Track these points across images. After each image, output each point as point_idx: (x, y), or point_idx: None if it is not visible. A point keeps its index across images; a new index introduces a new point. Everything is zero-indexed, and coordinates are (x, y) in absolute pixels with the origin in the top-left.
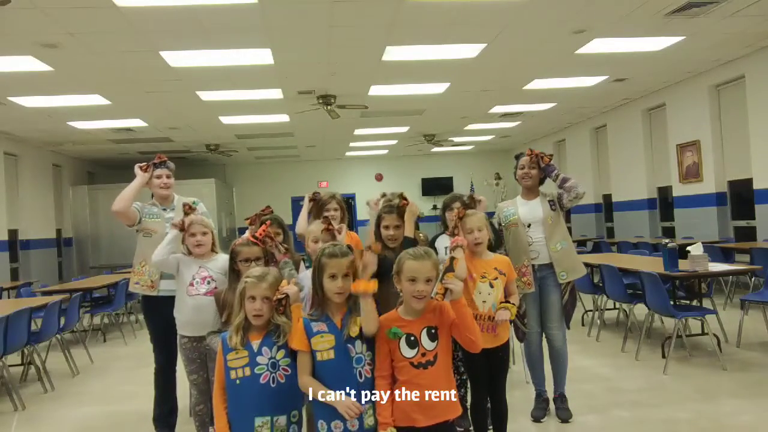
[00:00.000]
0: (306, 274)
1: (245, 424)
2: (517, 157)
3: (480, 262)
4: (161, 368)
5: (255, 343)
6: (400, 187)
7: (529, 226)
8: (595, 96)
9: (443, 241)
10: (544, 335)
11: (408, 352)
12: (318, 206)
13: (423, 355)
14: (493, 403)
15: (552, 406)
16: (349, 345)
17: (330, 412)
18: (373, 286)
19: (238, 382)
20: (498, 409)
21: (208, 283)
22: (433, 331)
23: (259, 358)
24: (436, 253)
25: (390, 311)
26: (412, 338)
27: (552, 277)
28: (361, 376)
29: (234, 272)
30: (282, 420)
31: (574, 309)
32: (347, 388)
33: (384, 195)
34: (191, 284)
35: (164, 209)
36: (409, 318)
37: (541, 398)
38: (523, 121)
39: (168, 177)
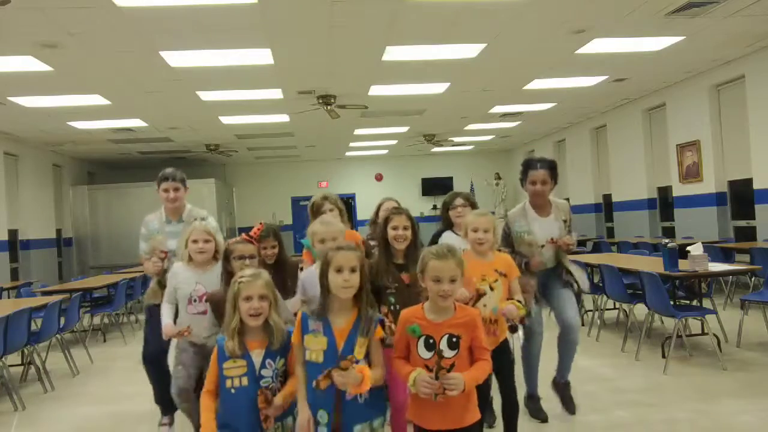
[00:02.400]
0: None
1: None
2: (526, 166)
3: (480, 264)
4: (151, 354)
5: (255, 353)
6: (400, 187)
7: (542, 246)
8: (595, 96)
9: (447, 239)
10: (557, 324)
11: (424, 353)
12: (314, 209)
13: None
14: (504, 397)
15: (549, 406)
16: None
17: (315, 402)
18: (367, 383)
19: (233, 390)
20: (509, 401)
21: (206, 300)
22: (454, 339)
23: (263, 371)
24: None
25: (416, 305)
26: (431, 341)
27: (559, 273)
28: (348, 396)
29: (227, 273)
30: (289, 421)
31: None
32: (319, 409)
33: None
34: (190, 302)
35: (169, 222)
36: (433, 318)
37: (533, 398)
38: (523, 121)
39: (176, 190)
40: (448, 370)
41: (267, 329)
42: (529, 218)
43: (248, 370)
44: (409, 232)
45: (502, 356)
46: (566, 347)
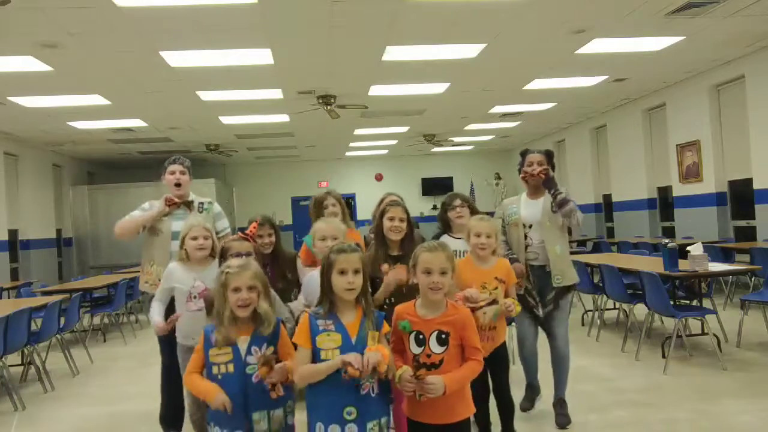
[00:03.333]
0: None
1: (227, 417)
2: (523, 154)
3: (481, 272)
4: (167, 367)
5: (241, 340)
6: (400, 187)
7: (530, 227)
8: (595, 96)
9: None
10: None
11: (415, 348)
12: (316, 205)
13: (428, 356)
14: (498, 399)
15: (549, 409)
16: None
17: (327, 414)
18: (387, 358)
19: (219, 377)
20: (504, 403)
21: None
22: (443, 336)
23: (249, 358)
24: None
25: (410, 301)
26: (421, 337)
27: (548, 277)
28: (363, 389)
29: None
30: (278, 413)
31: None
32: (345, 407)
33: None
34: (189, 299)
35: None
36: (424, 315)
37: (531, 386)
38: (523, 121)
39: (182, 173)
40: (437, 366)
41: (255, 318)
42: (521, 202)
43: (234, 357)
44: (404, 224)
45: (497, 359)
46: (554, 361)
